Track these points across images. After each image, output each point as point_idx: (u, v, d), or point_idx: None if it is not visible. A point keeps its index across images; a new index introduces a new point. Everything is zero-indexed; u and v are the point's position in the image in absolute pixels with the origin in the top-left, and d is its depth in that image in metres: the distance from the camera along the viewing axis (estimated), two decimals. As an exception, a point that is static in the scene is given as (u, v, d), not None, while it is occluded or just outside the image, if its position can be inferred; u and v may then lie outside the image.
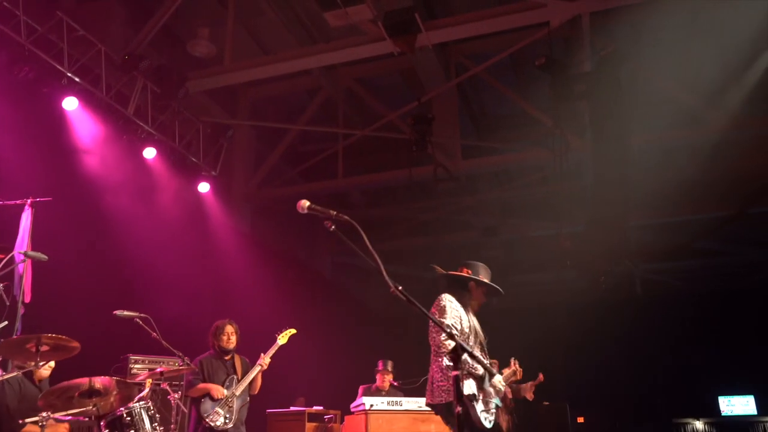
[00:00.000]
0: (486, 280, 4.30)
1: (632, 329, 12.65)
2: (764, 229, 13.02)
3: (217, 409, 4.94)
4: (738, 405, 12.16)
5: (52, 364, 4.33)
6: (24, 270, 4.61)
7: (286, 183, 12.05)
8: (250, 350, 5.54)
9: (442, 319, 3.96)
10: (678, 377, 12.53)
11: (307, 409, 6.22)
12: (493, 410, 4.00)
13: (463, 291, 4.25)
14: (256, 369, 5.18)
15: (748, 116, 9.62)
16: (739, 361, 11.98)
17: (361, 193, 12.49)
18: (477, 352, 4.11)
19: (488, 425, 3.91)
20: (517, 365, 5.31)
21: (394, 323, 12.55)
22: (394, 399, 5.52)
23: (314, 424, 6.26)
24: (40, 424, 3.56)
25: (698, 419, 11.34)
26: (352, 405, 5.67)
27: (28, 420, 3.72)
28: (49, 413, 3.64)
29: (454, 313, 4.08)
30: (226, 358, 5.25)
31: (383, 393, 6.30)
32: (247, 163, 11.95)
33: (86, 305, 5.61)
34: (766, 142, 9.97)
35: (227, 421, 4.94)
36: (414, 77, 10.23)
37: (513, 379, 5.09)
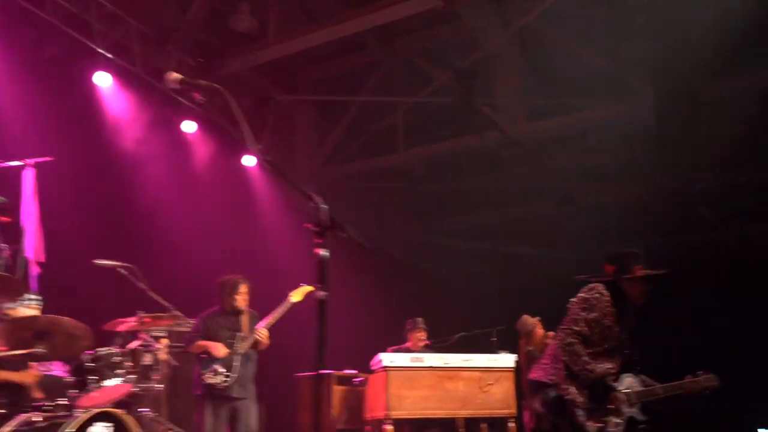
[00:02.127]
0: (641, 273, 3.70)
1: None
2: None
3: (216, 366, 4.64)
4: None
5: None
6: (27, 231, 4.55)
7: (349, 160, 11.78)
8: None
9: (576, 316, 3.58)
10: None
11: (335, 372, 5.82)
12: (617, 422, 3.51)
13: (617, 290, 3.69)
14: (261, 331, 4.79)
15: None
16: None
17: (425, 167, 11.94)
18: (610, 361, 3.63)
19: None
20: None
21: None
22: (417, 355, 5.01)
23: (343, 387, 5.85)
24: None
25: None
26: (372, 362, 5.19)
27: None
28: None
29: (604, 309, 3.60)
30: (234, 315, 4.93)
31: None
32: (310, 142, 11.82)
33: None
34: None
35: (227, 379, 4.63)
36: (476, 42, 9.59)
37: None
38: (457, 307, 9.90)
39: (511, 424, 5.09)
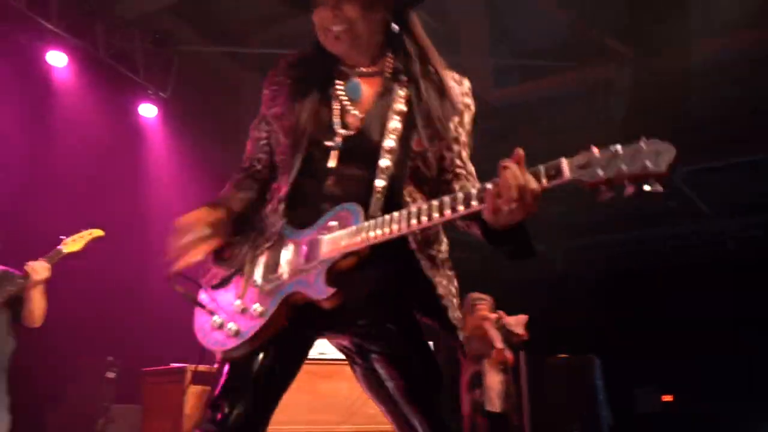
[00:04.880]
0: None
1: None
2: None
3: None
4: None
5: None
6: None
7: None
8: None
9: None
10: None
11: (189, 367, 3.92)
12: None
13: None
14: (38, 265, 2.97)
15: None
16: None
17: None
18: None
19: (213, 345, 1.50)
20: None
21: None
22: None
23: (201, 387, 3.94)
24: None
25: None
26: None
27: None
28: None
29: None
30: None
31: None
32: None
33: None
34: None
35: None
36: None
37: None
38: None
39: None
